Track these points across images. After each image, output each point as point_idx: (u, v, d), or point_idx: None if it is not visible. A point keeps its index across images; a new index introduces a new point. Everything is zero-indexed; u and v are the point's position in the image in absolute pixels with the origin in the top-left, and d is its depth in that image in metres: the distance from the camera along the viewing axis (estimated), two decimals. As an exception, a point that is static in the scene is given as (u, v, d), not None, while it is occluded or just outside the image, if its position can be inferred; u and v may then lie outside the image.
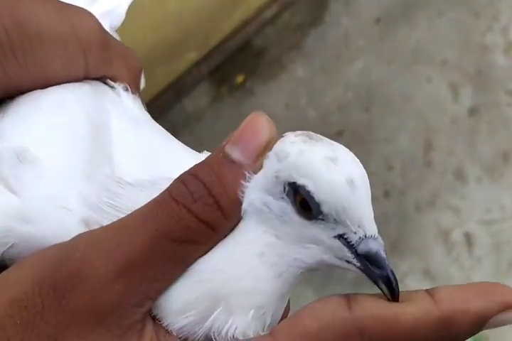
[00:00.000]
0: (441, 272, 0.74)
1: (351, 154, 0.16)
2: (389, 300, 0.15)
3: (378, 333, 0.14)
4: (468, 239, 0.75)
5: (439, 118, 0.79)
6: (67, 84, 0.19)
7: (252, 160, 0.15)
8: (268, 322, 0.16)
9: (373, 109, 0.79)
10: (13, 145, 0.17)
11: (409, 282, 0.73)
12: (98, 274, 0.14)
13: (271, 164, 0.15)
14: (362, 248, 0.15)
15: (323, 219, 0.15)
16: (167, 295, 0.15)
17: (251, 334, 0.15)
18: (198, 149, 0.19)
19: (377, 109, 0.79)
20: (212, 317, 0.15)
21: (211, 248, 0.15)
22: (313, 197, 0.15)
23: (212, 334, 0.15)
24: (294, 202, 0.15)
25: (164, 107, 0.72)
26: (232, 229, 0.15)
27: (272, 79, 0.79)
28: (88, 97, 0.19)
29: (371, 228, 0.15)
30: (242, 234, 0.15)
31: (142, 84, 0.22)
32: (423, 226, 0.75)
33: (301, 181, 0.15)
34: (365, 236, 0.15)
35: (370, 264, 0.15)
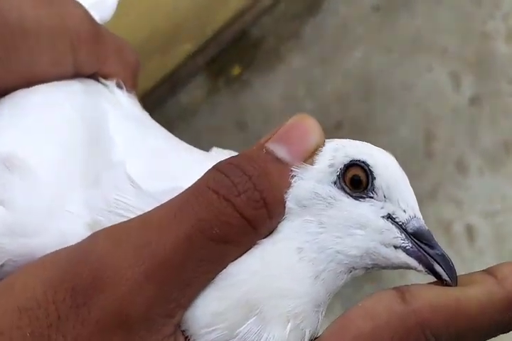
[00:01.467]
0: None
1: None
2: (446, 284, 0.14)
3: (442, 325, 0.12)
4: (470, 230, 0.75)
5: (439, 107, 0.78)
6: (56, 82, 0.17)
7: (300, 161, 0.14)
8: (307, 336, 0.14)
9: (373, 100, 0.78)
10: None
11: (410, 275, 0.73)
12: (124, 277, 0.12)
13: (325, 157, 0.15)
14: (412, 225, 0.15)
15: (372, 197, 0.15)
16: (194, 305, 0.13)
17: None
18: (195, 143, 0.18)
19: (377, 99, 0.78)
20: (243, 328, 0.13)
21: (246, 250, 0.13)
22: (371, 170, 0.15)
23: None
24: (343, 182, 0.15)
25: (159, 101, 0.71)
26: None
27: (269, 70, 0.77)
28: (80, 96, 0.17)
29: (418, 210, 0.15)
30: (279, 232, 0.14)
31: (137, 92, 0.20)
32: (424, 218, 0.74)
33: (359, 157, 0.15)
34: (415, 216, 0.15)
35: (422, 244, 0.15)
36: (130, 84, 0.19)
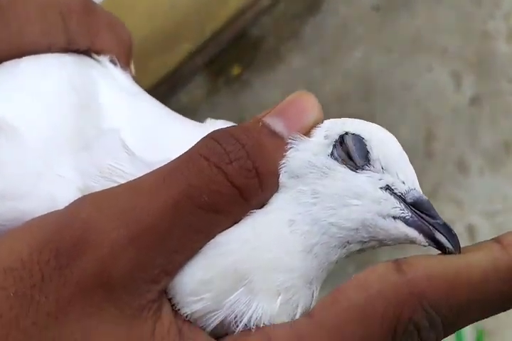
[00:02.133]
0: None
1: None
2: (449, 253, 0.13)
3: (441, 295, 0.11)
4: (471, 230, 0.75)
5: (440, 107, 0.78)
6: (47, 54, 0.17)
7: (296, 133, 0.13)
8: (299, 312, 0.13)
9: (373, 99, 0.78)
10: None
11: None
12: (107, 239, 0.12)
13: (321, 131, 0.15)
14: (412, 196, 0.14)
15: (369, 169, 0.14)
16: (181, 273, 0.13)
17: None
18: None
19: (377, 99, 0.78)
20: (231, 299, 0.13)
21: (237, 221, 0.13)
22: (365, 144, 0.14)
23: (229, 323, 0.13)
24: (339, 153, 0.14)
25: (159, 100, 0.71)
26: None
27: (269, 69, 0.77)
28: (71, 65, 0.17)
29: (418, 184, 0.14)
30: (272, 203, 0.14)
31: (132, 71, 0.20)
32: (424, 218, 0.74)
33: (354, 131, 0.15)
34: (414, 189, 0.14)
35: (423, 214, 0.14)
36: (124, 61, 0.18)
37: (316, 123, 0.15)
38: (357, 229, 0.14)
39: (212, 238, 0.13)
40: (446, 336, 0.12)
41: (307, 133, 0.15)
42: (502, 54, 0.79)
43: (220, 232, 0.13)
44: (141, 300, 0.12)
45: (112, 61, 0.18)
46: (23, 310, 0.11)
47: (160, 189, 0.12)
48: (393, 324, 0.12)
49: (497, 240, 0.12)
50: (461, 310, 0.12)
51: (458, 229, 0.76)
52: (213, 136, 0.12)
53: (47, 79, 0.17)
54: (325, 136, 0.15)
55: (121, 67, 0.18)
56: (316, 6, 0.82)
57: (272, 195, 0.13)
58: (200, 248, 0.13)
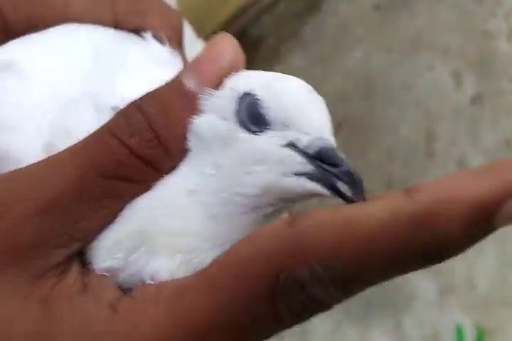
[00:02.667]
0: (444, 264, 0.73)
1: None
2: (352, 202, 0.12)
3: (326, 247, 0.10)
4: (472, 230, 0.75)
5: (441, 107, 0.77)
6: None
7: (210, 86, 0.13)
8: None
9: (373, 99, 0.78)
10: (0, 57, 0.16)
11: (411, 274, 0.73)
12: (15, 210, 0.12)
13: (226, 89, 0.14)
14: (313, 146, 0.13)
15: (271, 129, 0.14)
16: (100, 237, 0.14)
17: None
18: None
19: (378, 99, 0.78)
20: (132, 257, 0.14)
21: (149, 188, 0.14)
22: (260, 104, 0.14)
23: (134, 279, 0.14)
24: (241, 117, 0.14)
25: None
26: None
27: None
28: (103, 34, 0.17)
29: (328, 130, 0.14)
30: (176, 171, 0.14)
31: (184, 53, 0.19)
32: (425, 218, 0.74)
33: (253, 91, 0.14)
34: (321, 137, 0.14)
35: (325, 164, 0.13)
36: (174, 44, 0.18)
37: (232, 69, 0.14)
38: (261, 194, 0.13)
39: (125, 204, 0.14)
40: (346, 296, 0.11)
41: (219, 84, 0.14)
42: (503, 53, 0.78)
43: (134, 198, 0.14)
44: (45, 264, 0.13)
45: (157, 37, 0.18)
46: None
47: (67, 163, 0.13)
48: (272, 278, 0.11)
49: (406, 189, 0.11)
50: (354, 265, 0.10)
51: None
52: (122, 111, 0.13)
53: (69, 38, 0.17)
54: (230, 89, 0.14)
55: (172, 46, 0.18)
56: (317, 5, 0.82)
57: (179, 161, 0.14)
58: (114, 214, 0.14)
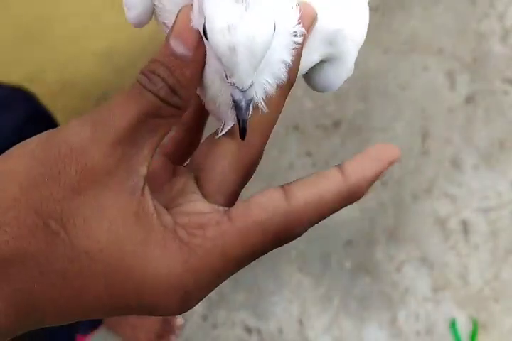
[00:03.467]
0: (438, 259, 0.75)
1: (259, 23, 0.17)
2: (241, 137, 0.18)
3: (313, 215, 0.18)
4: (465, 226, 0.76)
5: (435, 106, 0.79)
6: None
7: (192, 53, 0.18)
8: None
9: (370, 99, 0.79)
10: None
11: (406, 269, 0.74)
12: (103, 141, 0.17)
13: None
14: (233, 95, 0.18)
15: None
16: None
17: None
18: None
19: (374, 99, 0.79)
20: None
21: (179, 118, 0.19)
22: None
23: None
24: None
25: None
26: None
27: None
28: None
29: (241, 81, 0.18)
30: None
31: None
32: (420, 214, 0.75)
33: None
34: (236, 87, 0.18)
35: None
36: None
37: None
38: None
39: (168, 131, 0.19)
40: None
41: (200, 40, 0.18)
42: (496, 54, 0.80)
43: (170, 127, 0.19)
44: (130, 183, 0.17)
45: None
46: (54, 187, 0.17)
47: (124, 109, 0.18)
48: (283, 236, 0.18)
49: (340, 169, 0.18)
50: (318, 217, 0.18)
51: (453, 224, 0.77)
52: (145, 74, 0.18)
53: None
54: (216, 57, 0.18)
55: None
56: (314, 6, 0.83)
57: (191, 97, 0.19)
58: (162, 139, 0.18)
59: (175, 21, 0.18)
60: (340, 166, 0.18)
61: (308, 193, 0.18)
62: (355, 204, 0.74)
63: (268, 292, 0.75)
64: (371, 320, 0.74)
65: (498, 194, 0.76)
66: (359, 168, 0.18)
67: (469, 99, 0.79)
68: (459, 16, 0.81)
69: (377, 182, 0.76)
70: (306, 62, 0.20)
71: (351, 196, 0.18)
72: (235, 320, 0.72)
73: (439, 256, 0.76)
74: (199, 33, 0.18)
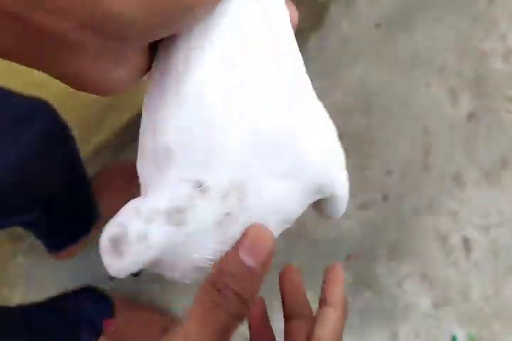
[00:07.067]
0: (439, 276, 0.75)
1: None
2: None
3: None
4: (467, 243, 0.76)
5: (437, 123, 0.79)
6: None
7: (261, 265, 0.20)
8: None
9: (373, 114, 0.79)
10: None
11: (407, 285, 0.74)
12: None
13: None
14: None
15: None
16: None
17: None
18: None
19: (377, 114, 0.80)
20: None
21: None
22: None
23: None
24: None
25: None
26: None
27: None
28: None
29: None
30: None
31: None
32: (421, 230, 0.75)
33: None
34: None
35: None
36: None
37: (273, 250, 0.20)
38: None
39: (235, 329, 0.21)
40: None
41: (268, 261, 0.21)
42: (498, 72, 0.81)
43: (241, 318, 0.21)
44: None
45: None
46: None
47: (204, 329, 0.20)
48: None
49: (327, 302, 0.24)
50: None
51: (454, 241, 0.77)
52: (216, 286, 0.20)
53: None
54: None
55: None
56: (319, 22, 0.84)
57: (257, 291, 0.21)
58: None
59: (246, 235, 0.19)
60: (324, 300, 0.24)
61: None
62: (355, 219, 0.74)
63: (271, 308, 0.75)
64: (372, 336, 0.74)
65: (499, 211, 0.76)
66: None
67: (471, 117, 0.80)
68: (461, 34, 0.82)
69: (378, 198, 0.76)
70: (292, 214, 0.20)
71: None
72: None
73: (440, 272, 0.75)
74: (270, 251, 0.19)
